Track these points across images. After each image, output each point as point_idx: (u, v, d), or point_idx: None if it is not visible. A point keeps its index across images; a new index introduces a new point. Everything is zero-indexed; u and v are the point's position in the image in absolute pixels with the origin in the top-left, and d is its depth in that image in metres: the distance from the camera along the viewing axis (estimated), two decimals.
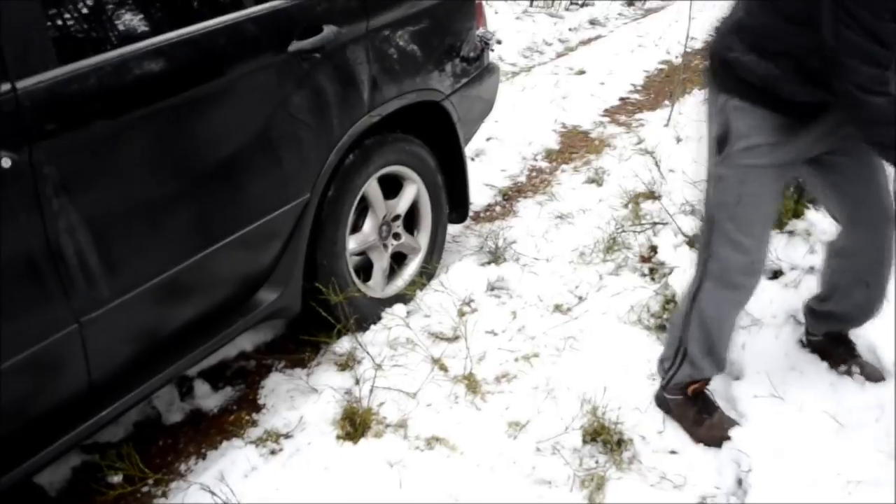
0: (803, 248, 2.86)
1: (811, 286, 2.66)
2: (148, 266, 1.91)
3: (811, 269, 2.74)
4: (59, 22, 1.73)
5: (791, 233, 2.94)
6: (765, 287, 2.70)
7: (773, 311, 2.59)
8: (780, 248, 2.86)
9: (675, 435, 2.20)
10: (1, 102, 1.57)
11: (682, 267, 2.84)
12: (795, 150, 1.93)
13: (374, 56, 2.37)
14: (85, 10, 1.79)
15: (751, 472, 2.04)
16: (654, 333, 2.60)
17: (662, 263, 2.87)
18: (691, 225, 3.06)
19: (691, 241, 3.00)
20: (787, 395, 2.24)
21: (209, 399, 2.50)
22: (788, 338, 2.49)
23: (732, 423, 2.16)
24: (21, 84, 1.60)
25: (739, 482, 2.05)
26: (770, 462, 2.04)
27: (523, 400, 2.35)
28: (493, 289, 2.91)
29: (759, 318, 2.56)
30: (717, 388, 2.34)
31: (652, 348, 2.50)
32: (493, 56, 3.10)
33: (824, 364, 2.37)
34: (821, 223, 2.95)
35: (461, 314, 2.75)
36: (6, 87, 1.58)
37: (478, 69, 2.89)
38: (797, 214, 3.00)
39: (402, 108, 2.54)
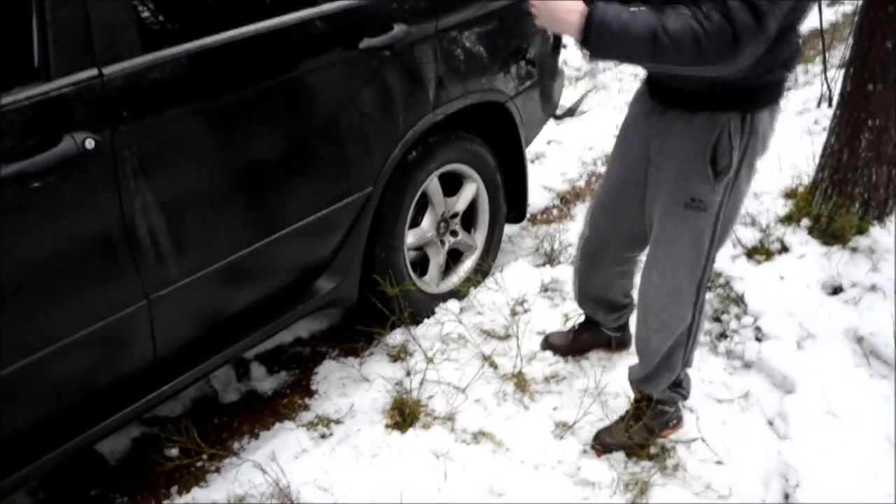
0: (866, 266, 2.80)
1: (872, 304, 2.61)
2: (216, 249, 1.98)
3: (873, 288, 2.68)
4: (145, 12, 1.80)
5: (854, 249, 2.88)
6: (823, 302, 2.66)
7: (830, 327, 2.55)
8: (842, 265, 2.81)
9: (723, 445, 2.19)
10: (88, 87, 1.65)
11: (739, 276, 2.81)
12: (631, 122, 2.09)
13: (442, 55, 2.40)
14: (168, 2, 1.87)
15: (798, 487, 2.02)
16: (709, 342, 2.58)
17: (719, 274, 2.84)
18: (751, 236, 3.03)
19: (750, 252, 2.97)
20: (842, 413, 2.21)
21: (264, 382, 2.57)
22: (846, 354, 2.45)
23: None
24: (107, 70, 1.68)
25: (786, 497, 2.03)
26: (819, 479, 2.02)
27: (572, 401, 2.36)
28: (546, 290, 2.92)
29: (815, 333, 2.52)
30: (770, 401, 2.32)
31: (705, 359, 2.49)
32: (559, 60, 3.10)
33: (882, 383, 2.33)
34: (885, 240, 2.88)
35: (513, 313, 2.77)
36: (93, 72, 1.66)
37: (543, 72, 2.90)
38: (861, 231, 2.93)
39: (466, 108, 2.56)
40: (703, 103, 1.78)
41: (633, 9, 1.59)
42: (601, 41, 1.59)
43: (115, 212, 1.75)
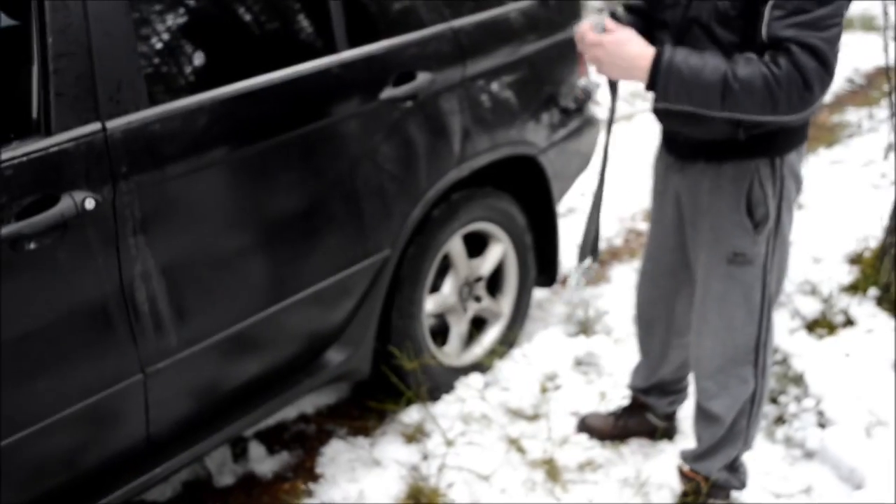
0: None
1: None
2: (219, 317, 2.05)
3: None
4: (152, 63, 1.91)
5: None
6: (894, 384, 2.69)
7: None
8: None
9: None
10: (90, 143, 1.74)
11: (798, 353, 2.84)
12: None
13: (469, 105, 2.50)
14: (177, 52, 1.97)
15: None
16: (766, 427, 2.60)
17: (776, 349, 2.87)
18: (811, 307, 3.07)
19: (810, 325, 3.01)
20: None
21: (264, 463, 2.61)
22: None
23: None
24: (111, 124, 1.77)
25: None
26: None
27: (609, 493, 2.39)
28: (580, 364, 2.96)
29: (886, 419, 2.54)
30: (835, 497, 2.33)
31: (761, 446, 2.51)
32: (593, 107, 3.19)
33: None
34: None
35: (543, 390, 2.81)
36: (96, 126, 1.76)
37: (577, 122, 2.99)
38: None
39: (494, 162, 2.65)
40: (727, 153, 1.89)
41: (700, 53, 1.72)
42: (669, 87, 1.72)
43: (113, 277, 1.82)
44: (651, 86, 1.74)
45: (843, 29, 1.69)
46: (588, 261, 2.08)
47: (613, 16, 1.87)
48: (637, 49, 1.75)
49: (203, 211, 1.98)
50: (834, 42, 1.66)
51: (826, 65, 1.65)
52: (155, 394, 1.97)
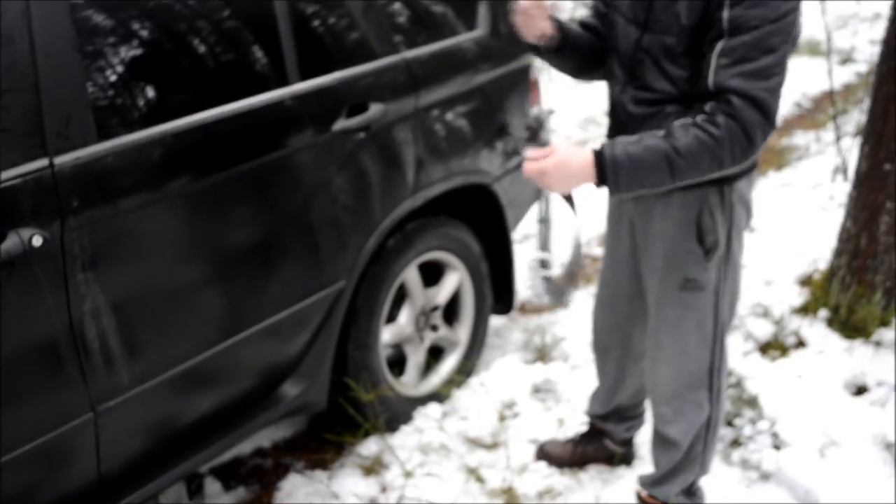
0: (892, 362, 2.90)
1: None
2: (171, 353, 2.04)
3: None
4: (102, 97, 1.90)
5: (878, 343, 2.99)
6: (846, 404, 2.75)
7: (855, 432, 2.62)
8: (866, 361, 2.90)
9: None
10: (37, 180, 1.73)
11: (751, 375, 2.89)
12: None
13: (422, 135, 2.52)
14: (127, 85, 1.96)
15: None
16: (722, 450, 2.64)
17: (730, 372, 2.92)
18: (764, 329, 3.12)
19: (763, 347, 3.06)
20: None
21: (219, 499, 2.59)
22: (875, 464, 2.52)
23: None
24: (59, 160, 1.76)
25: None
26: None
27: None
28: (538, 391, 2.98)
29: (839, 439, 2.59)
30: None
31: (718, 469, 2.54)
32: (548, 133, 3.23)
33: None
34: None
35: (502, 418, 2.82)
36: (44, 163, 1.74)
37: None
38: (884, 322, 3.05)
39: (448, 191, 2.67)
40: None
41: (637, 138, 1.75)
42: (619, 181, 1.75)
43: (62, 314, 1.81)
44: (601, 184, 1.76)
45: (786, 73, 1.72)
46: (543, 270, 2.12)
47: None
48: (578, 162, 1.76)
49: (155, 245, 1.97)
50: (777, 90, 1.70)
51: (767, 115, 1.69)
52: (106, 432, 1.95)
